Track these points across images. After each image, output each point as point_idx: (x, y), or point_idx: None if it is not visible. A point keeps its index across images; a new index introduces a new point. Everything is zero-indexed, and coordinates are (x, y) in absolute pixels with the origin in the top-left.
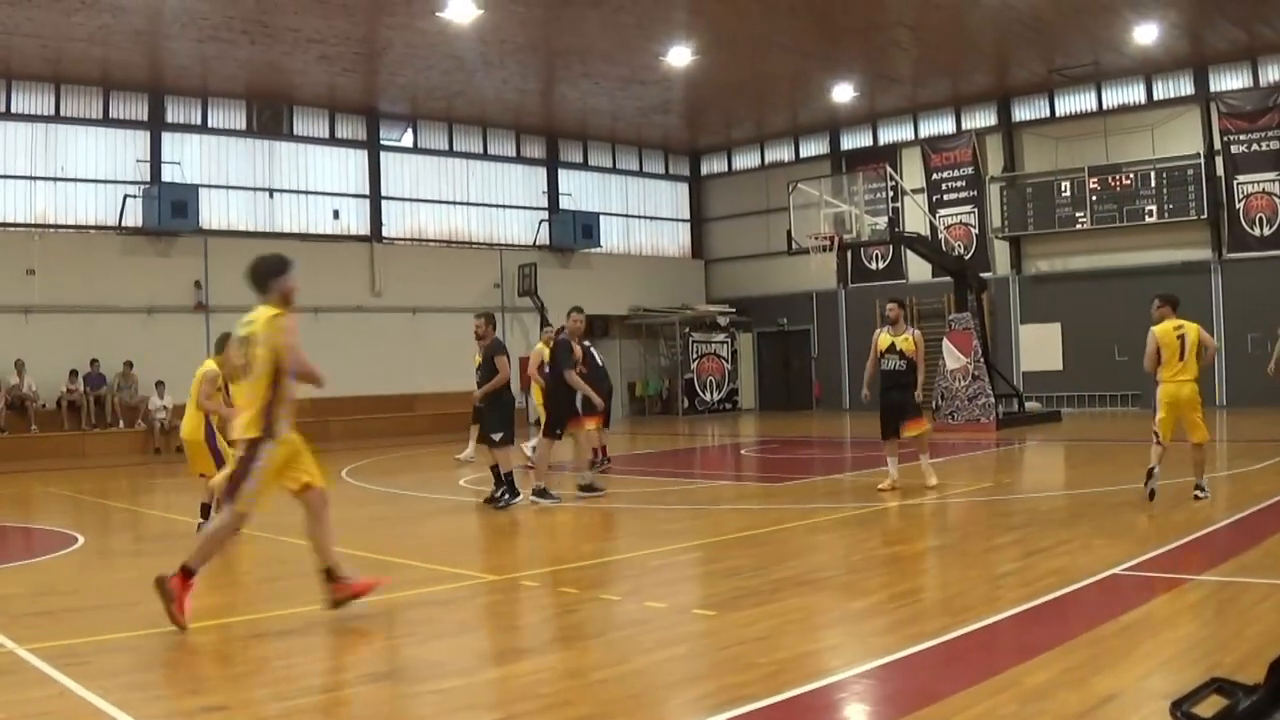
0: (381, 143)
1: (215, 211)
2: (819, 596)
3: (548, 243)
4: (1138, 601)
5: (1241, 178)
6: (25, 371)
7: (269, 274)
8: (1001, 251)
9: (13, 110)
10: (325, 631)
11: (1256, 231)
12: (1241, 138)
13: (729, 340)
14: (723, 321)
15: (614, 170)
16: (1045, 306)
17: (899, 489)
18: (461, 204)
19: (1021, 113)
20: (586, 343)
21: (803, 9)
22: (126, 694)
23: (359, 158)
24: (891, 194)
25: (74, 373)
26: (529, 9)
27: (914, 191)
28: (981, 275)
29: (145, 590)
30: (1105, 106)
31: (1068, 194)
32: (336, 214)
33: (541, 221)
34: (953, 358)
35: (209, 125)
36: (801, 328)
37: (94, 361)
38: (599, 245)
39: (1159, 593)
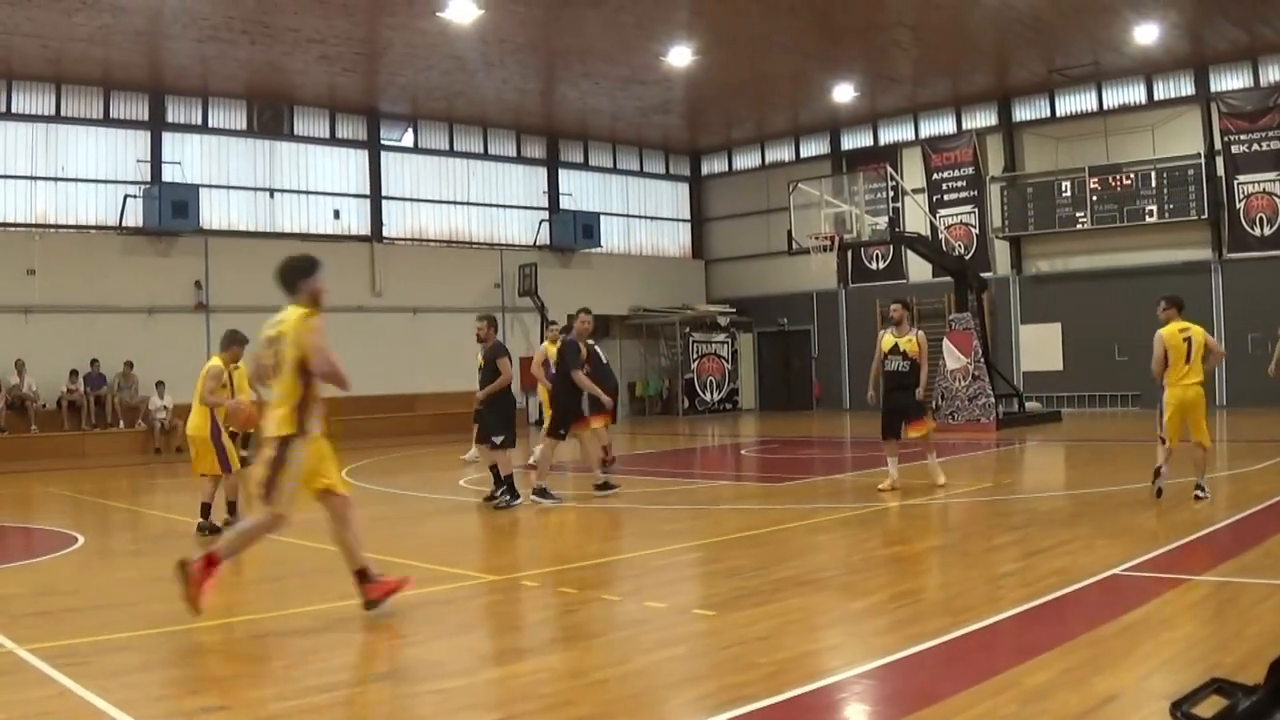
0: (382, 143)
1: (216, 211)
2: (819, 596)
3: (548, 243)
4: (1138, 602)
5: (1242, 178)
6: (25, 371)
7: (299, 274)
8: (1002, 251)
9: (13, 110)
10: (325, 631)
11: (1257, 231)
12: (1242, 138)
13: (729, 340)
14: (723, 321)
15: (614, 170)
16: (1045, 306)
17: (899, 489)
18: (462, 204)
19: (1022, 113)
20: (590, 341)
21: (803, 9)
22: (126, 694)
23: (359, 158)
24: (892, 194)
25: (74, 373)
26: (529, 9)
27: (914, 191)
28: (982, 275)
29: (145, 590)
30: (1106, 106)
31: (1068, 194)
32: (337, 214)
33: (542, 221)
34: (953, 358)
35: (209, 125)
36: (802, 328)
37: (94, 361)
38: (599, 245)
39: (1159, 593)
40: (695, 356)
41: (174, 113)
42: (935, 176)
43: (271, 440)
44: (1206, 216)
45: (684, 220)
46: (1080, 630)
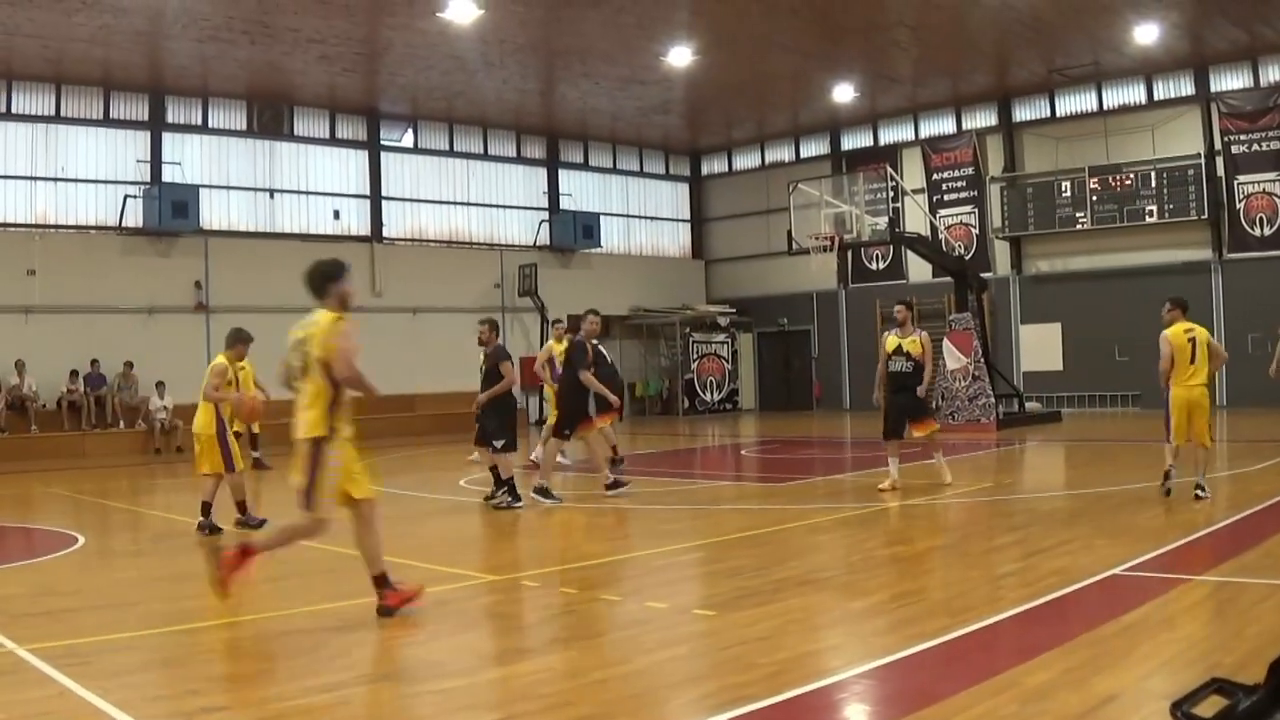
0: (382, 143)
1: (216, 212)
2: (820, 597)
3: (548, 243)
4: (1138, 602)
5: (1242, 178)
6: (25, 372)
7: (327, 279)
8: (1002, 251)
9: (13, 110)
10: (326, 631)
11: (1257, 232)
12: (1242, 138)
13: (729, 340)
14: (723, 322)
15: (614, 170)
16: (1045, 307)
17: (899, 489)
18: (462, 204)
19: (1022, 113)
20: (595, 341)
21: (803, 9)
22: (126, 694)
23: (359, 158)
24: (892, 194)
25: (74, 373)
26: (529, 9)
27: (914, 191)
28: (982, 275)
29: (145, 590)
30: (1106, 106)
31: (1068, 194)
32: (337, 214)
33: (542, 222)
34: (953, 358)
35: (209, 125)
36: (802, 328)
37: (94, 362)
38: (599, 245)
39: (1159, 593)
40: (695, 357)
41: (174, 113)
42: (935, 177)
43: (303, 443)
44: (1206, 217)
45: (684, 220)
46: (1080, 630)
